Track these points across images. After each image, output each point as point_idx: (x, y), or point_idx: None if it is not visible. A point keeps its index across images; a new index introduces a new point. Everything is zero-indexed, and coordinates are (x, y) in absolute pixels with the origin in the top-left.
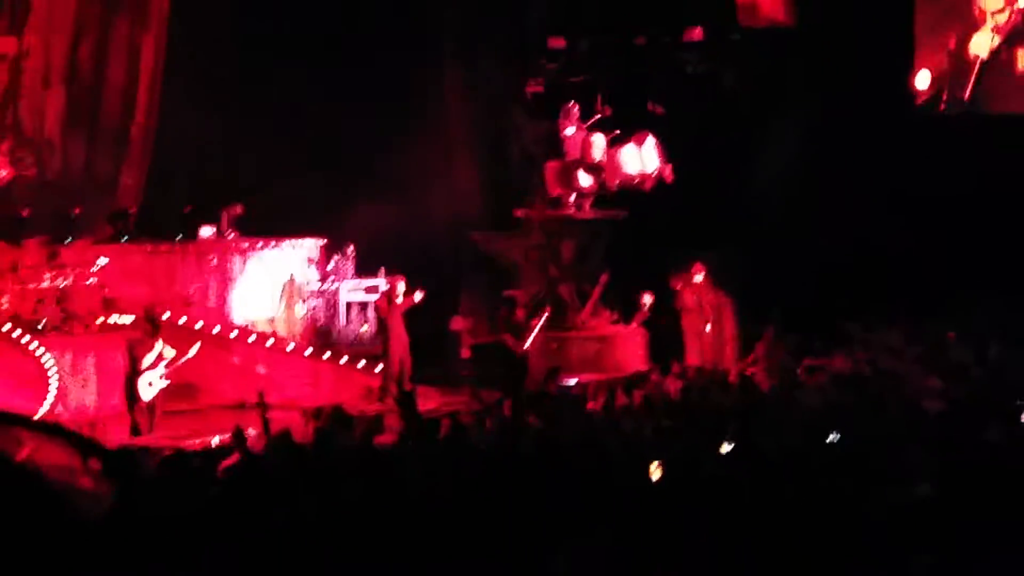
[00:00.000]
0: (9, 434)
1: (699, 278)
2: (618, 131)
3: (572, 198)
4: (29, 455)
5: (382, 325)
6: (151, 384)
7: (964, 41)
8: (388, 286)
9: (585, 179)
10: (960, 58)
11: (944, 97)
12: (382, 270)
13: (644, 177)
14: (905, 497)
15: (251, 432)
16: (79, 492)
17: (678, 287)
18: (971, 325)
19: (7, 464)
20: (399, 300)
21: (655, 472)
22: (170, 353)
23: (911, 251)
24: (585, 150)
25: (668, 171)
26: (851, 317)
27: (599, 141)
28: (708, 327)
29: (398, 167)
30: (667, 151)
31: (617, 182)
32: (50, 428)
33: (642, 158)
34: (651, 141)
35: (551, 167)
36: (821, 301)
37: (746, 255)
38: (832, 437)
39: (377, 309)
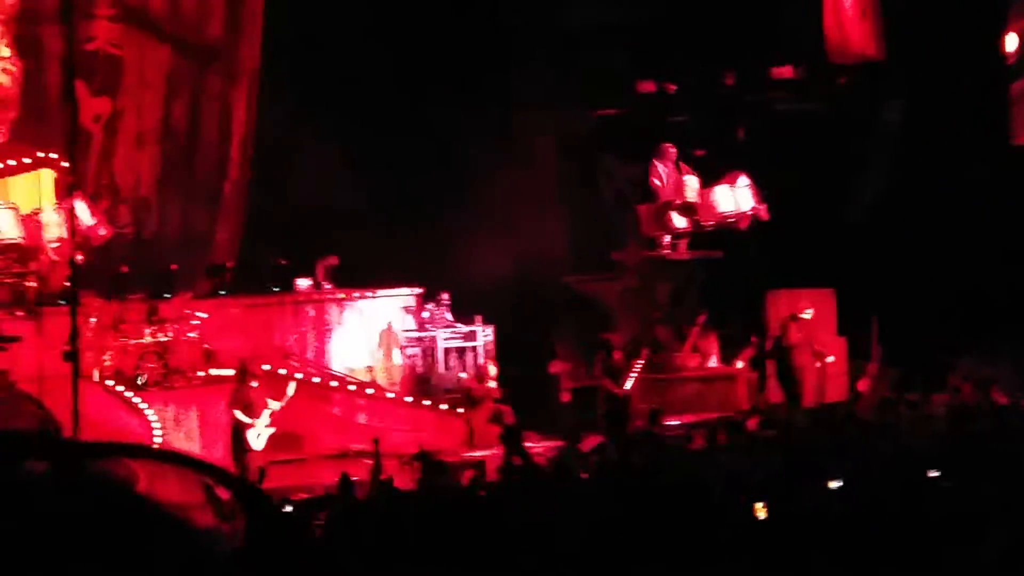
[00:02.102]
0: (123, 465)
1: (808, 315)
2: (708, 172)
3: (667, 239)
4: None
5: (470, 398)
6: (259, 435)
7: None
8: (478, 370)
9: (679, 220)
10: None
11: None
12: (478, 317)
13: (739, 216)
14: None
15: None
16: (198, 528)
17: (787, 325)
18: None
19: (126, 495)
20: (491, 384)
21: (760, 512)
22: (274, 404)
23: (1011, 285)
24: (678, 191)
25: (763, 210)
26: (954, 352)
27: (692, 182)
28: (818, 364)
29: (491, 213)
30: (761, 190)
31: (712, 222)
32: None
33: (736, 197)
34: (744, 180)
35: (644, 209)
36: (925, 336)
37: (847, 291)
38: (934, 473)
39: (467, 389)
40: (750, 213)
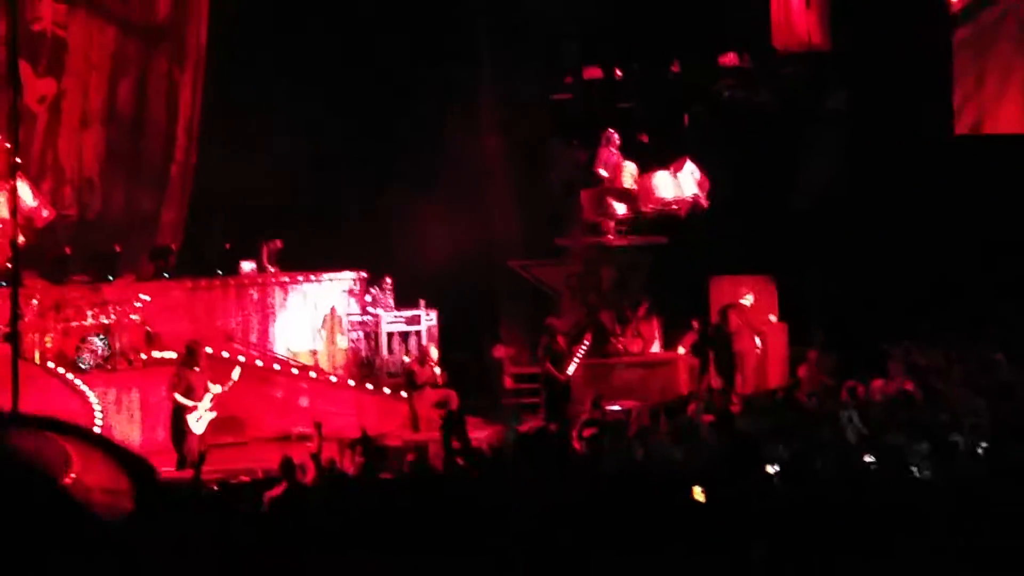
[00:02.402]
0: (58, 447)
1: (748, 301)
2: (653, 158)
3: (611, 225)
4: (77, 477)
5: (411, 382)
6: (199, 418)
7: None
8: (419, 352)
9: (618, 206)
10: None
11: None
12: (422, 301)
13: (680, 203)
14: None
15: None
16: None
17: (727, 311)
18: (1017, 345)
19: (51, 487)
20: (434, 368)
21: (699, 495)
22: (216, 388)
23: (953, 271)
24: (616, 176)
25: (702, 197)
26: (894, 338)
27: (630, 168)
28: (757, 349)
29: (435, 197)
30: (707, 176)
31: (652, 208)
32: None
33: (678, 184)
34: (690, 167)
35: (586, 194)
36: (864, 322)
37: (788, 278)
38: (869, 459)
39: (409, 372)
40: (691, 200)
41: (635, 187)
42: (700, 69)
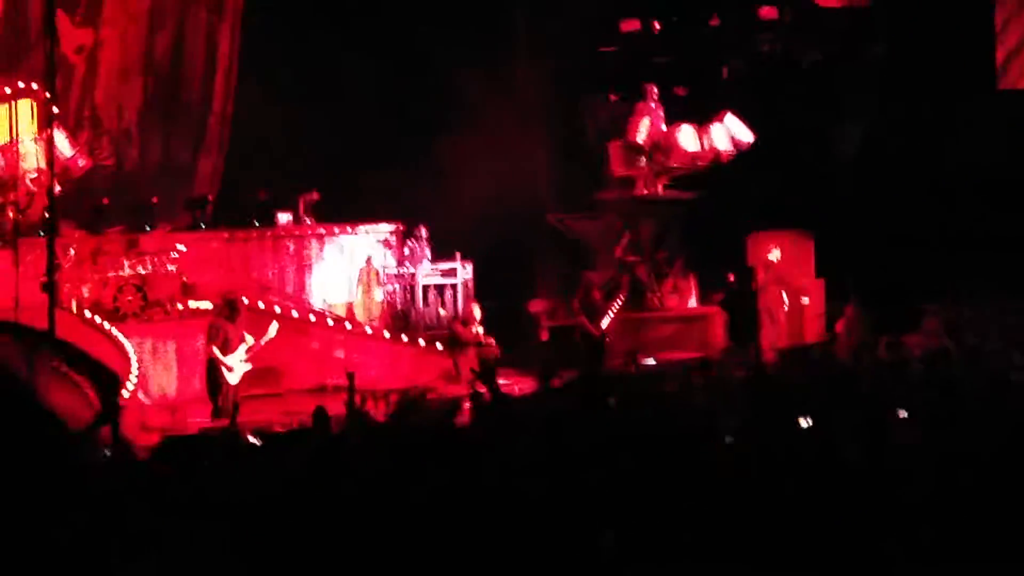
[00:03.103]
0: (45, 362)
1: (775, 256)
2: (690, 111)
3: (647, 180)
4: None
5: (454, 341)
6: (233, 369)
7: None
8: (463, 313)
9: (632, 160)
10: None
11: None
12: (458, 254)
13: (701, 157)
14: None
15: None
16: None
17: (756, 266)
18: None
19: (30, 404)
20: (476, 329)
21: (728, 439)
22: (250, 339)
23: (992, 227)
24: (631, 131)
25: (729, 153)
26: (932, 295)
27: (645, 123)
28: (786, 306)
29: (472, 150)
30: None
31: (675, 163)
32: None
33: (704, 138)
34: (728, 121)
35: (613, 148)
36: (902, 278)
37: (827, 233)
38: (901, 414)
39: (453, 332)
40: (720, 154)
41: (646, 141)
42: (739, 23)
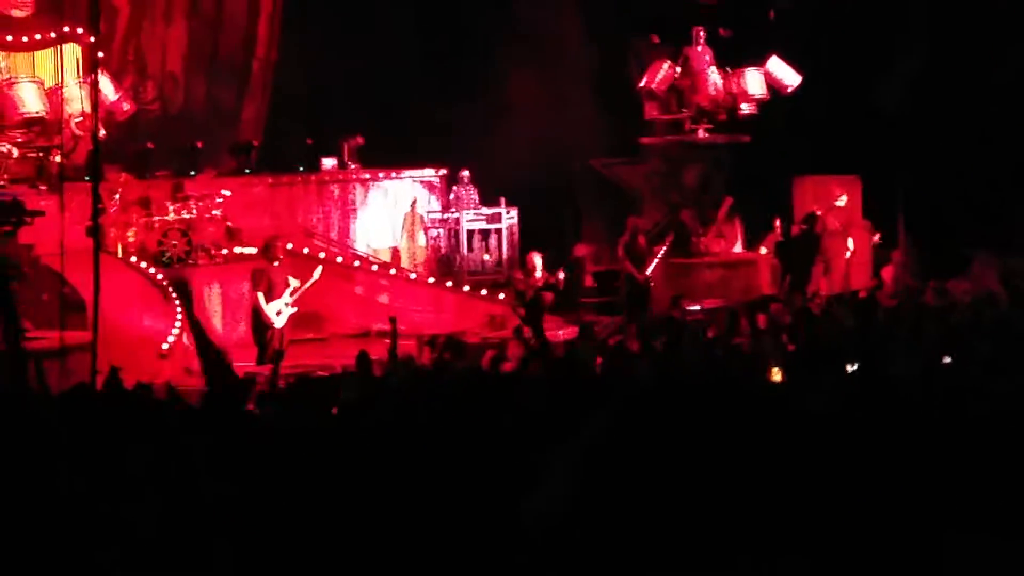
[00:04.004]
0: None
1: (842, 202)
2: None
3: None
4: None
5: (517, 294)
6: (279, 312)
7: None
8: (526, 262)
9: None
10: None
11: None
12: (502, 199)
13: (724, 101)
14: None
15: (375, 358)
16: None
17: (820, 211)
18: None
19: None
20: (537, 274)
21: (776, 375)
22: (295, 282)
23: None
24: (649, 76)
25: (759, 96)
26: (980, 240)
27: (663, 68)
28: (849, 252)
29: (518, 94)
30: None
31: (704, 104)
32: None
33: (739, 82)
34: (773, 63)
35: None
36: (950, 224)
37: (873, 178)
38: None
39: (514, 282)
40: (759, 97)
41: (660, 86)
42: None
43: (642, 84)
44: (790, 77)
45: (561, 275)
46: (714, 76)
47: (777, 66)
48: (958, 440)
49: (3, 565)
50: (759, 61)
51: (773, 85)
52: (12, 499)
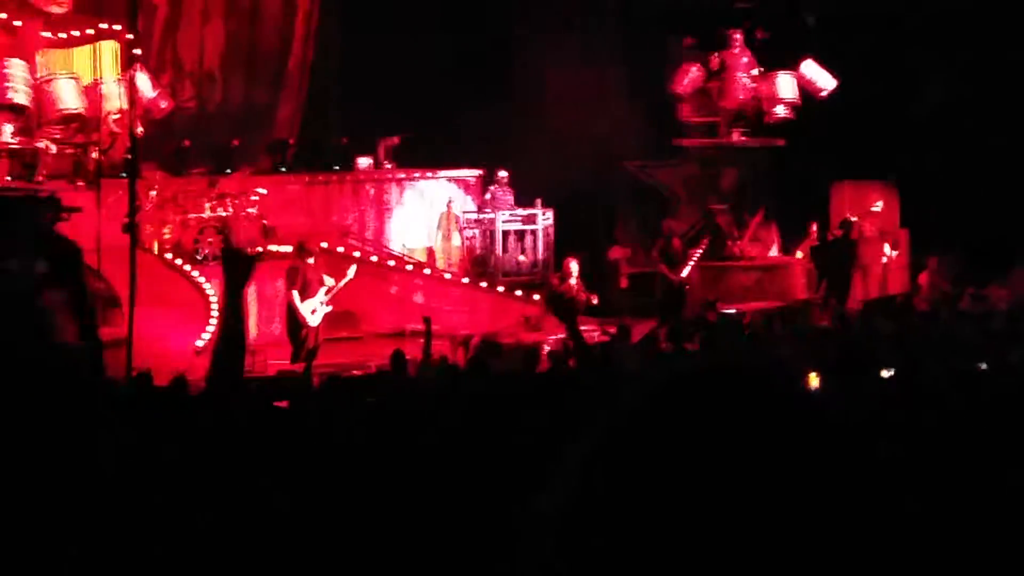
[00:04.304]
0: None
1: (878, 208)
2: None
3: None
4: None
5: (552, 298)
6: (314, 311)
7: None
8: (563, 267)
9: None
10: None
11: None
12: (538, 200)
13: (749, 105)
14: None
15: (409, 358)
16: None
17: (857, 220)
18: None
19: None
20: (572, 281)
21: (813, 380)
22: (330, 281)
23: None
24: (676, 80)
25: (791, 101)
26: (1017, 248)
27: (692, 73)
28: (886, 257)
29: (554, 97)
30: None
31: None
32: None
33: (771, 86)
34: (808, 67)
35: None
36: (987, 231)
37: (911, 184)
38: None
39: (549, 285)
40: (790, 101)
41: (686, 89)
42: None
43: (671, 87)
44: (824, 80)
45: (595, 300)
46: (744, 79)
47: (812, 69)
48: (994, 445)
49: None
50: (794, 64)
51: (807, 88)
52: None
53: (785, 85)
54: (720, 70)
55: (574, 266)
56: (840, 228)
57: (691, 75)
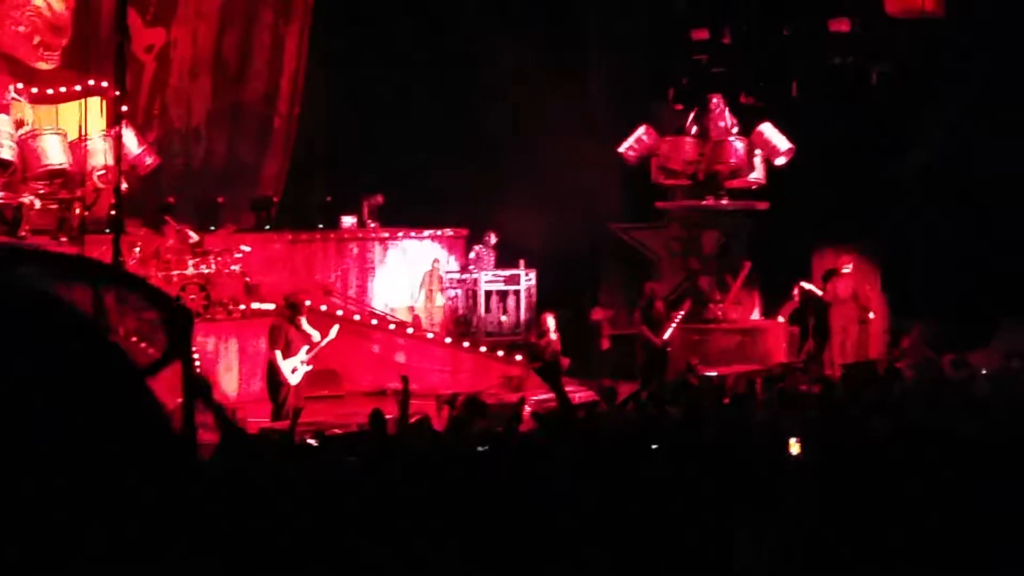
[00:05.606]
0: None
1: (848, 269)
2: (758, 121)
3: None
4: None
5: (532, 354)
6: (295, 370)
7: None
8: (540, 323)
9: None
10: None
11: None
12: (521, 261)
13: (699, 169)
14: None
15: (389, 416)
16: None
17: (831, 280)
18: None
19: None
20: (552, 336)
21: (794, 447)
22: (315, 333)
23: None
24: (625, 142)
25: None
26: (999, 313)
27: (638, 133)
28: (863, 320)
29: (538, 158)
30: (805, 140)
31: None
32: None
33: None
34: (766, 129)
35: (654, 160)
36: (970, 296)
37: (892, 247)
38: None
39: (530, 345)
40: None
41: (635, 153)
42: (810, 34)
43: (620, 149)
44: (782, 144)
45: (567, 363)
46: (689, 143)
47: (770, 133)
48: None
49: None
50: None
51: (764, 151)
52: None
53: (732, 149)
54: (699, 132)
55: (551, 321)
56: (807, 292)
57: (637, 136)
